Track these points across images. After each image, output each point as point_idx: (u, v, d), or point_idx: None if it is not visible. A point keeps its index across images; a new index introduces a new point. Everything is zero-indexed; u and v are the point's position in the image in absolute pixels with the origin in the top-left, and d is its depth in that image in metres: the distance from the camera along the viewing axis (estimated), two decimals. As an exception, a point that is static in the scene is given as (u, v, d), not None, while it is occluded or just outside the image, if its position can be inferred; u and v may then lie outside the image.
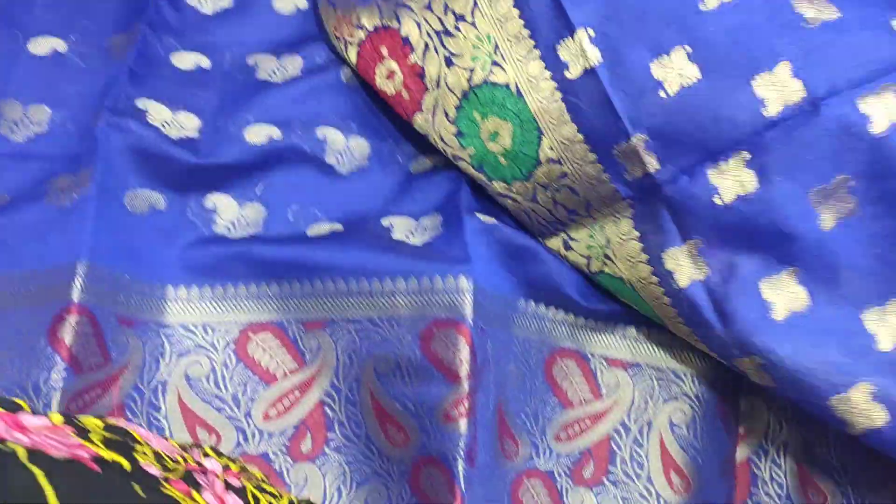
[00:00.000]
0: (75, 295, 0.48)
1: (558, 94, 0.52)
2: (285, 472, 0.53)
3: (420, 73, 0.56)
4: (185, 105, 0.58)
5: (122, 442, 0.38)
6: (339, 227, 0.57)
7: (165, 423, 0.52)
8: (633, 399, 0.58)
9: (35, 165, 0.55)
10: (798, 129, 0.47)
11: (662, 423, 0.58)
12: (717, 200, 0.50)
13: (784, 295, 0.50)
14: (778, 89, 0.47)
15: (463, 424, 0.50)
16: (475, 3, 0.54)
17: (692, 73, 0.49)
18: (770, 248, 0.49)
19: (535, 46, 0.53)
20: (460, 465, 0.49)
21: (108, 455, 0.34)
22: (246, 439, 0.53)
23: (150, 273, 0.53)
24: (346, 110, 0.60)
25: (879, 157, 0.46)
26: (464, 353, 0.50)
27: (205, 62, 0.60)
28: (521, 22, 0.53)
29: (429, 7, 0.56)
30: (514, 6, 0.53)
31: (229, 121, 0.58)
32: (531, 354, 0.57)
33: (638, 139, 0.50)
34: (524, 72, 0.53)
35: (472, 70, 0.55)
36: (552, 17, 0.52)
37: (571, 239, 0.56)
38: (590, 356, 0.59)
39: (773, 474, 0.59)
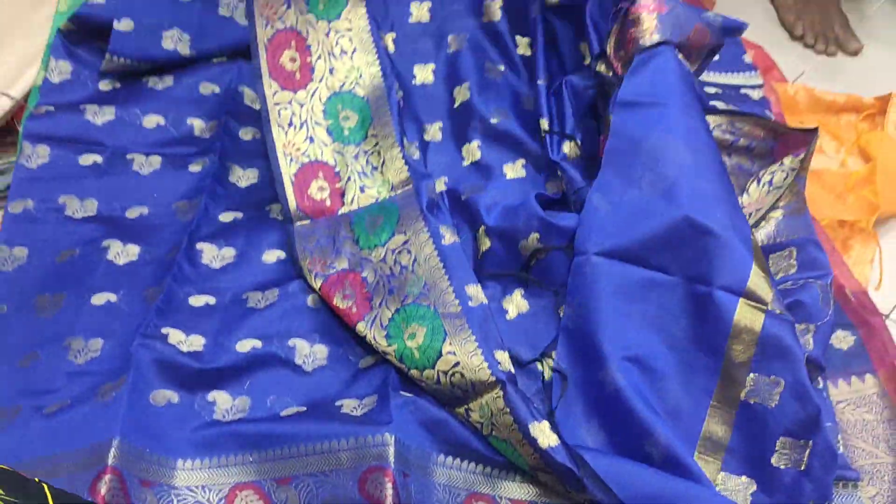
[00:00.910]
0: (110, 461, 0.68)
1: (461, 310, 0.78)
2: None
3: (369, 299, 0.81)
4: (195, 330, 0.81)
5: None
6: (303, 408, 0.78)
7: (170, 560, 0.69)
8: (534, 529, 0.74)
9: (89, 379, 0.78)
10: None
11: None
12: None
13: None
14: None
15: (387, 544, 0.66)
16: (415, 260, 0.81)
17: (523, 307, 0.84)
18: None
19: (450, 285, 0.80)
20: None
21: None
22: (230, 574, 0.69)
23: (165, 449, 0.73)
24: (311, 325, 0.83)
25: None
26: (388, 490, 0.68)
27: (211, 301, 0.85)
28: (443, 270, 0.81)
29: (384, 260, 0.83)
30: (440, 262, 0.82)
31: (226, 338, 0.81)
32: (450, 497, 0.74)
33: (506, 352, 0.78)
34: (441, 299, 0.78)
35: (406, 295, 0.80)
36: (465, 272, 0.82)
37: (469, 410, 0.76)
38: (498, 498, 0.75)
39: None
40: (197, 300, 0.85)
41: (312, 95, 0.98)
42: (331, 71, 1.00)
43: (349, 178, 0.93)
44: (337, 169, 0.94)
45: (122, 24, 1.02)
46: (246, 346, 0.81)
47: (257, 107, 1.07)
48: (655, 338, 0.77)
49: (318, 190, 0.93)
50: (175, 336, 0.80)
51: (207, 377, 0.78)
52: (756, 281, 0.75)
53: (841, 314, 0.86)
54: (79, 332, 0.82)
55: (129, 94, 1.03)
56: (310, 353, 0.82)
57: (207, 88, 1.06)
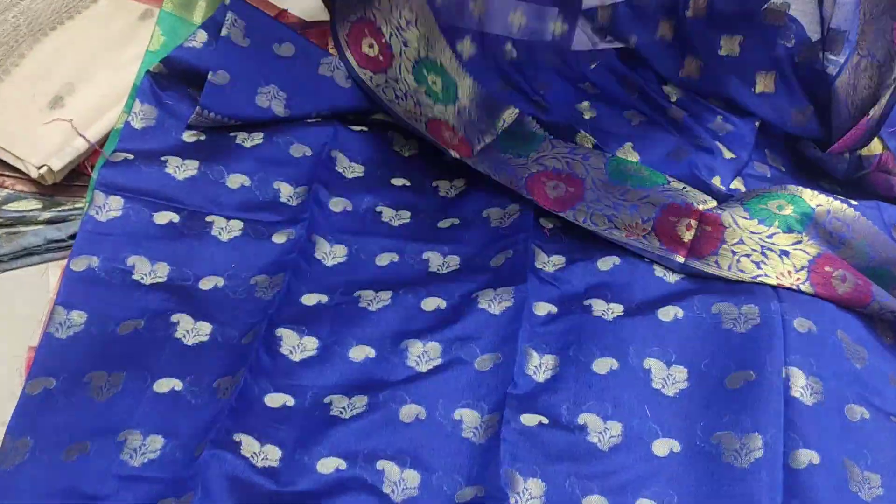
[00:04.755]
0: None
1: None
2: None
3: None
4: (271, 439, 0.70)
5: None
6: (390, 548, 0.66)
7: None
8: None
9: (145, 487, 0.66)
10: None
11: None
12: None
13: None
14: None
15: None
16: None
17: None
18: None
19: None
20: None
21: None
22: None
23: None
24: (403, 445, 0.72)
25: None
26: None
27: (290, 401, 0.74)
28: None
29: None
30: None
31: (305, 454, 0.70)
32: None
33: None
34: None
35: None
36: None
37: None
38: None
39: None
40: (273, 399, 0.74)
41: (400, 70, 0.97)
42: (405, 44, 0.96)
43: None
44: (452, 123, 0.96)
45: (218, 77, 0.93)
46: (328, 466, 0.69)
47: (349, 175, 0.97)
48: None
49: (451, 137, 0.97)
50: (248, 446, 0.69)
51: (282, 501, 0.67)
52: None
53: None
54: (137, 424, 0.71)
55: (215, 148, 0.94)
56: (400, 479, 0.70)
57: (299, 150, 0.96)
